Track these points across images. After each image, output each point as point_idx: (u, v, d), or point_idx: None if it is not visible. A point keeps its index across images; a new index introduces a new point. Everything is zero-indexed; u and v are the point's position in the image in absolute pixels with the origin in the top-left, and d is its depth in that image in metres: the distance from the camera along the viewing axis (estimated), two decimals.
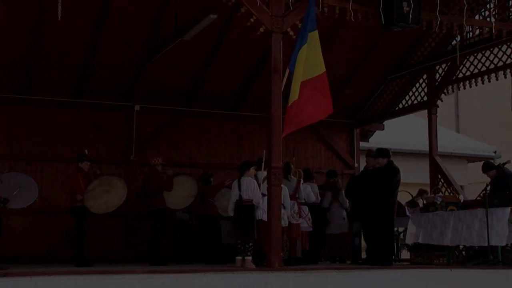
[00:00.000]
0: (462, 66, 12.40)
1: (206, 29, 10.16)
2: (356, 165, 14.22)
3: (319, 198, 11.61)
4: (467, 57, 12.30)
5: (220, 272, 7.36)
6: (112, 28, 11.13)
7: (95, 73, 12.00)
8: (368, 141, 15.39)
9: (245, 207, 9.24)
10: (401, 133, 17.35)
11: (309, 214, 11.07)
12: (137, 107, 12.63)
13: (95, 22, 11.00)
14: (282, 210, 9.55)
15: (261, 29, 8.68)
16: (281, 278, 7.49)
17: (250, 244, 9.18)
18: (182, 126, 13.17)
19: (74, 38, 11.21)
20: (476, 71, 12.17)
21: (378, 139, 15.60)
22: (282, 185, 9.86)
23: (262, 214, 9.24)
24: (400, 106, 14.01)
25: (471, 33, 11.92)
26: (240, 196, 9.30)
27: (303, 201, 11.06)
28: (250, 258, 9.06)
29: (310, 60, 8.40)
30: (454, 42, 12.44)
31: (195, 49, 11.76)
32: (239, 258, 9.20)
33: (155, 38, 11.43)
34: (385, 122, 14.95)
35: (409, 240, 10.50)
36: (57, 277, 6.52)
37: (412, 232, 10.15)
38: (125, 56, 11.80)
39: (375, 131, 15.38)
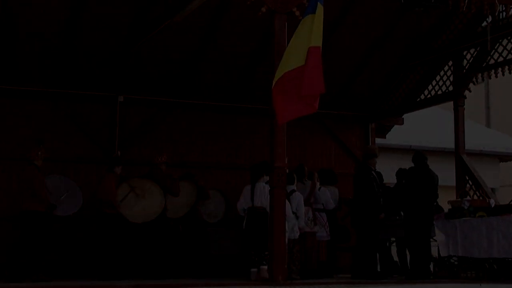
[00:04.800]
0: (493, 51, 12.30)
1: (200, 8, 10.10)
2: None
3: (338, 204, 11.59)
4: (500, 40, 12.17)
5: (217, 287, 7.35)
6: (93, 8, 11.06)
7: (73, 59, 11.98)
8: (385, 138, 15.36)
9: (258, 215, 9.32)
10: (423, 128, 17.31)
11: (327, 222, 11.10)
12: (120, 98, 12.56)
13: (73, 2, 10.90)
14: (294, 221, 9.65)
15: (263, 9, 8.61)
16: None
17: (266, 253, 9.19)
18: (173, 120, 13.10)
19: (50, 20, 11.17)
20: (509, 57, 12.06)
21: (396, 135, 15.54)
22: (297, 192, 9.98)
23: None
24: (422, 97, 13.88)
25: (504, 13, 11.79)
26: (252, 203, 9.72)
27: (321, 206, 11.07)
28: (266, 267, 9.09)
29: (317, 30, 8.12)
30: (484, 24, 12.32)
31: (187, 32, 11.74)
32: (254, 270, 9.33)
33: (142, 19, 11.36)
34: (405, 116, 14.88)
35: (444, 253, 10.29)
36: None
37: (442, 241, 10.03)
38: (108, 40, 11.75)
39: (393, 126, 15.31)
